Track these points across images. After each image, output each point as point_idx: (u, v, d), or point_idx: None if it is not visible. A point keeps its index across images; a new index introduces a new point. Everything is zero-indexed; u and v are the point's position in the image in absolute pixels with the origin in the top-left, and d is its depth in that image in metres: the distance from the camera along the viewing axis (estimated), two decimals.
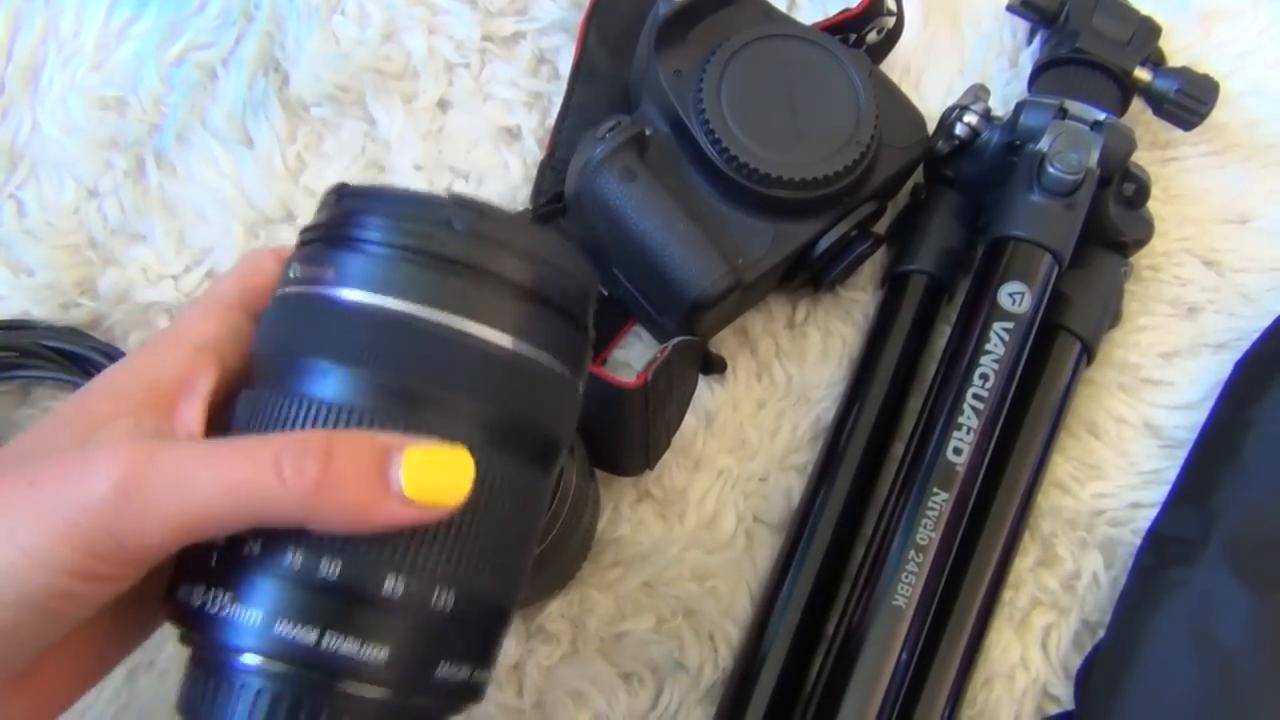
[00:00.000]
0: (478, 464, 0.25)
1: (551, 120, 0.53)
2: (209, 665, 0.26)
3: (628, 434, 0.45)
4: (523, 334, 0.26)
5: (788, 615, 0.46)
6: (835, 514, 0.47)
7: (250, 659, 0.25)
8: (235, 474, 0.24)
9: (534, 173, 0.53)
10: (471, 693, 0.27)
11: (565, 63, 0.54)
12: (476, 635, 0.27)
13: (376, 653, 0.25)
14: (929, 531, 0.43)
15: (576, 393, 0.29)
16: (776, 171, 0.46)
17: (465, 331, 0.26)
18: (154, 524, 0.24)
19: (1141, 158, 0.51)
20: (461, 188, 0.53)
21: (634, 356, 0.51)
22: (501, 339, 0.26)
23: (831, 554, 0.47)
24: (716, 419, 0.51)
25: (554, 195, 0.49)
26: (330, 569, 0.24)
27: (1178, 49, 0.56)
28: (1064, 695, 0.47)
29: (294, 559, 0.25)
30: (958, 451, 0.44)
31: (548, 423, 0.28)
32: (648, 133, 0.46)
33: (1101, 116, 0.48)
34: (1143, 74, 0.51)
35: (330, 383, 0.25)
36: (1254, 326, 0.51)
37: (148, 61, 0.52)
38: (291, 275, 0.27)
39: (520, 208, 0.50)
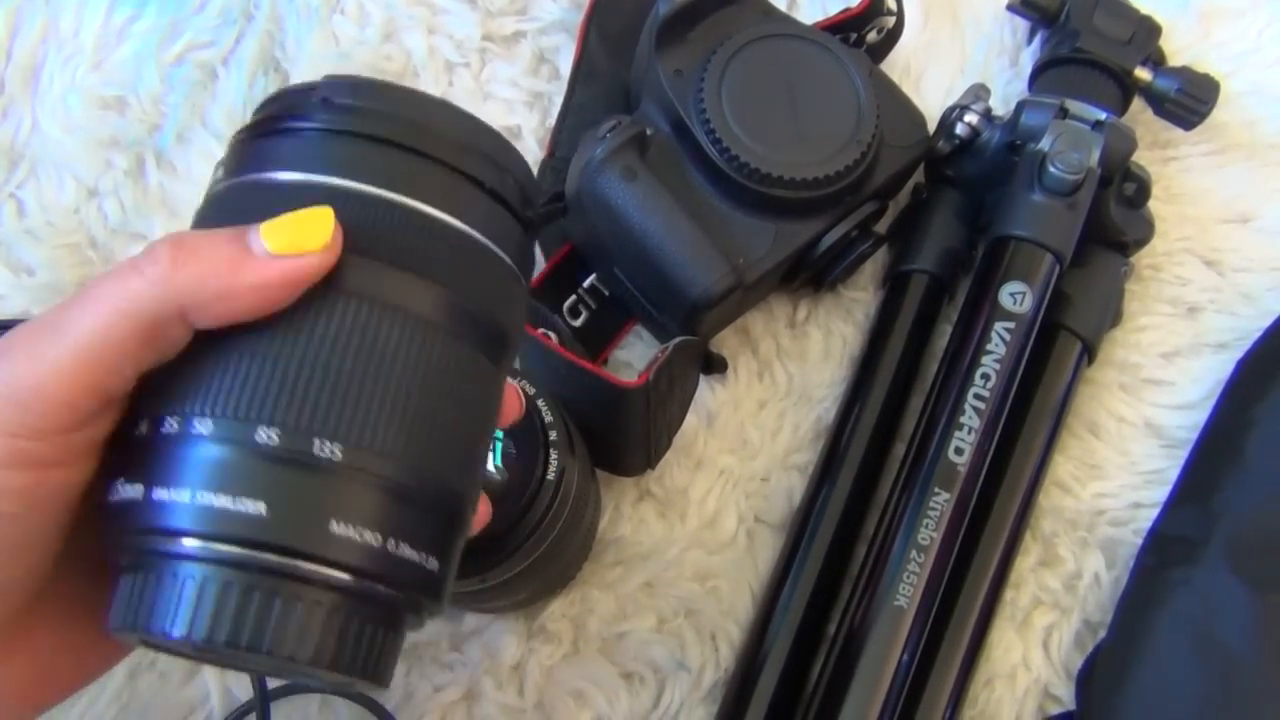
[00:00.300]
0: (428, 337, 0.24)
1: (552, 120, 0.53)
2: (142, 564, 0.23)
3: (629, 434, 0.45)
4: (468, 216, 0.26)
5: (789, 615, 0.46)
6: (837, 514, 0.47)
7: (190, 543, 0.22)
8: (102, 292, 0.23)
9: (535, 173, 0.53)
10: (430, 586, 0.25)
11: (566, 62, 0.54)
12: (432, 520, 0.25)
13: (331, 528, 0.23)
14: (930, 531, 0.43)
15: (522, 288, 0.28)
16: (777, 171, 0.46)
17: (413, 206, 0.25)
18: (51, 380, 0.23)
19: (1142, 157, 0.51)
20: None
21: (635, 356, 0.51)
22: (448, 218, 0.25)
23: (833, 554, 0.47)
24: (718, 419, 0.51)
25: (555, 195, 0.49)
26: (267, 435, 0.23)
27: (1178, 48, 0.56)
28: (1065, 695, 0.47)
29: (227, 428, 0.23)
30: (959, 451, 0.44)
31: (497, 309, 0.27)
32: (648, 132, 0.46)
33: (1102, 116, 0.48)
34: (1143, 73, 0.51)
35: None
36: (1255, 326, 0.51)
37: (148, 61, 0.52)
38: (219, 176, 0.26)
39: None
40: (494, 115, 0.54)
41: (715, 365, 0.51)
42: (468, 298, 0.26)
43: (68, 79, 0.51)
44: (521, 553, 0.39)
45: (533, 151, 0.54)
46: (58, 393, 0.23)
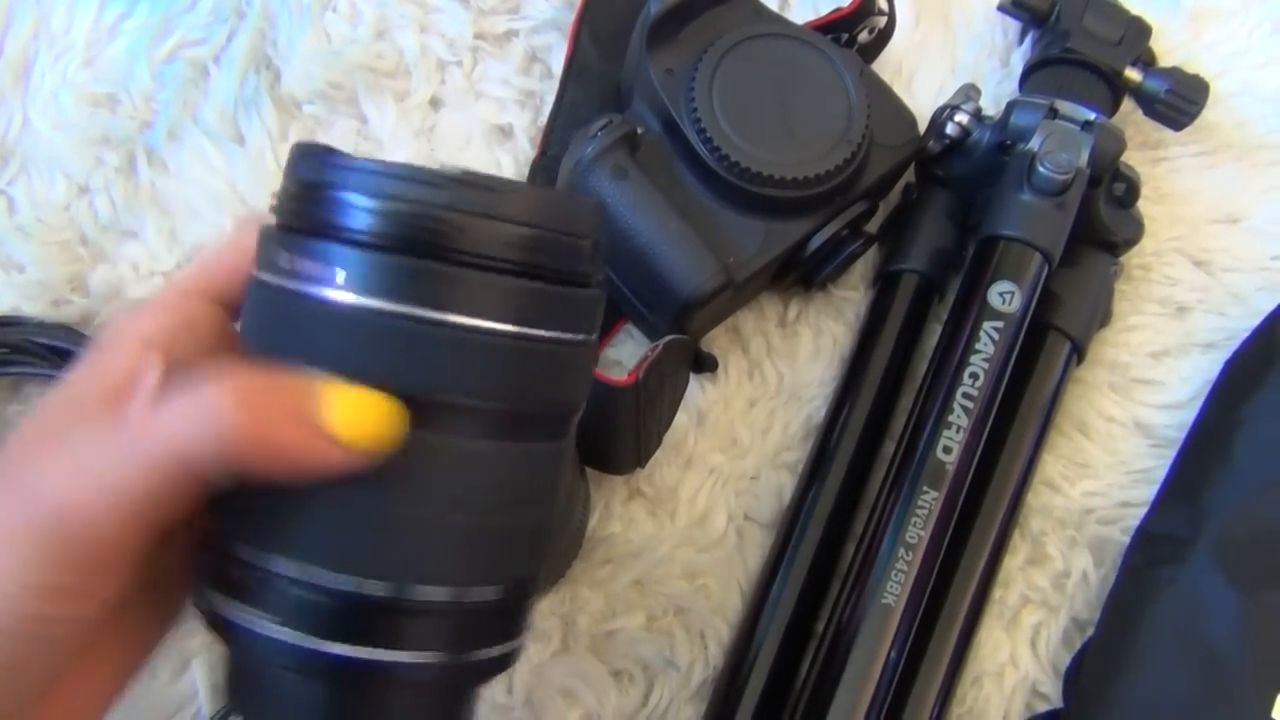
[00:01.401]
0: (492, 459, 0.25)
1: (544, 119, 0.53)
2: (248, 671, 0.26)
3: (619, 432, 0.46)
4: (524, 314, 0.25)
5: (778, 613, 0.46)
6: (826, 512, 0.47)
7: (287, 674, 0.25)
8: (154, 440, 0.23)
9: (526, 171, 0.53)
10: (505, 663, 0.28)
11: (557, 61, 0.54)
12: (511, 615, 0.27)
13: (421, 658, 0.25)
14: (919, 530, 0.43)
15: (586, 351, 0.27)
16: (768, 170, 0.46)
17: (464, 325, 0.24)
18: (99, 522, 0.23)
19: (1132, 158, 0.52)
20: None
21: (625, 354, 0.51)
22: (502, 326, 0.25)
23: (822, 552, 0.47)
24: (708, 417, 0.51)
25: None
26: (372, 587, 0.24)
27: (1168, 49, 0.56)
28: (1053, 693, 0.48)
29: (325, 578, 0.24)
30: (947, 450, 0.44)
31: (558, 398, 0.27)
32: (639, 131, 0.46)
33: (1092, 116, 0.48)
34: (1133, 74, 0.52)
35: None
36: (1243, 326, 0.51)
37: (139, 58, 0.52)
38: (270, 260, 0.26)
39: None
40: (486, 114, 0.54)
41: (705, 364, 0.51)
42: (529, 403, 0.26)
43: (59, 76, 0.51)
44: None
45: (524, 150, 0.54)
46: (110, 541, 0.24)
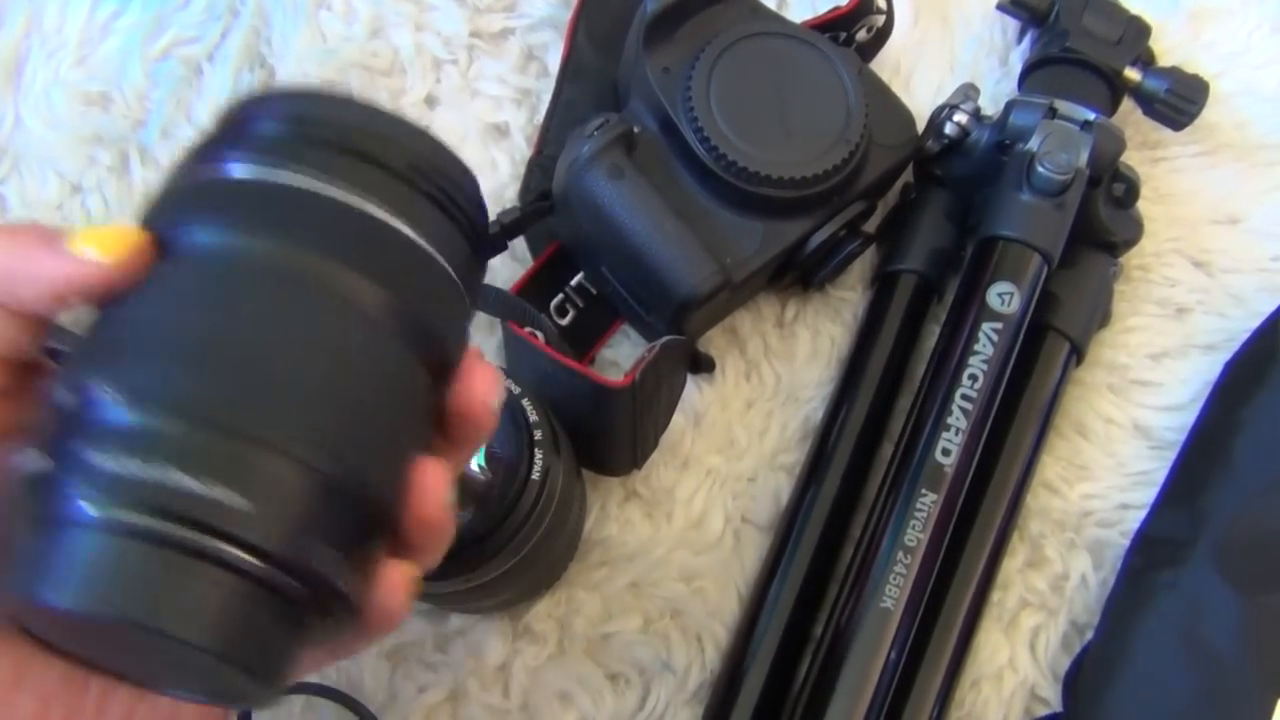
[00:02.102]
0: (360, 328, 0.24)
1: (540, 118, 0.53)
2: (39, 529, 0.21)
3: (615, 433, 0.45)
4: (420, 227, 0.25)
5: (775, 616, 0.45)
6: (823, 514, 0.47)
7: (90, 508, 0.21)
8: None
9: (522, 170, 0.52)
10: (339, 597, 0.23)
11: (554, 60, 0.54)
12: (344, 517, 0.23)
13: (239, 501, 0.21)
14: (917, 533, 0.43)
15: (465, 309, 0.27)
16: (765, 170, 0.45)
17: (364, 210, 0.25)
18: None
19: (1131, 158, 0.51)
20: None
21: (622, 355, 0.51)
22: (399, 224, 0.25)
23: (820, 555, 0.47)
24: (705, 418, 0.50)
25: (542, 193, 0.49)
26: (179, 405, 0.22)
27: (1167, 49, 0.56)
28: (1052, 697, 0.47)
29: (138, 399, 0.22)
30: (946, 453, 0.43)
31: (435, 320, 0.26)
32: (636, 130, 0.46)
33: (1091, 116, 0.48)
34: (1132, 74, 0.51)
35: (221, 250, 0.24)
36: (1243, 327, 0.51)
37: (132, 56, 0.52)
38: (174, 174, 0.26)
39: (508, 205, 0.50)
40: (482, 112, 0.54)
41: (703, 365, 0.51)
42: (405, 300, 0.25)
43: (51, 74, 0.51)
44: (506, 553, 0.38)
45: (520, 149, 0.53)
46: None
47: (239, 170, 0.25)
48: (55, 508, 0.21)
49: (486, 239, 0.28)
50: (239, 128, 0.26)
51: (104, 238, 0.25)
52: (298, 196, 0.24)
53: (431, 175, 0.26)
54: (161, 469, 0.21)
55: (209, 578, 0.21)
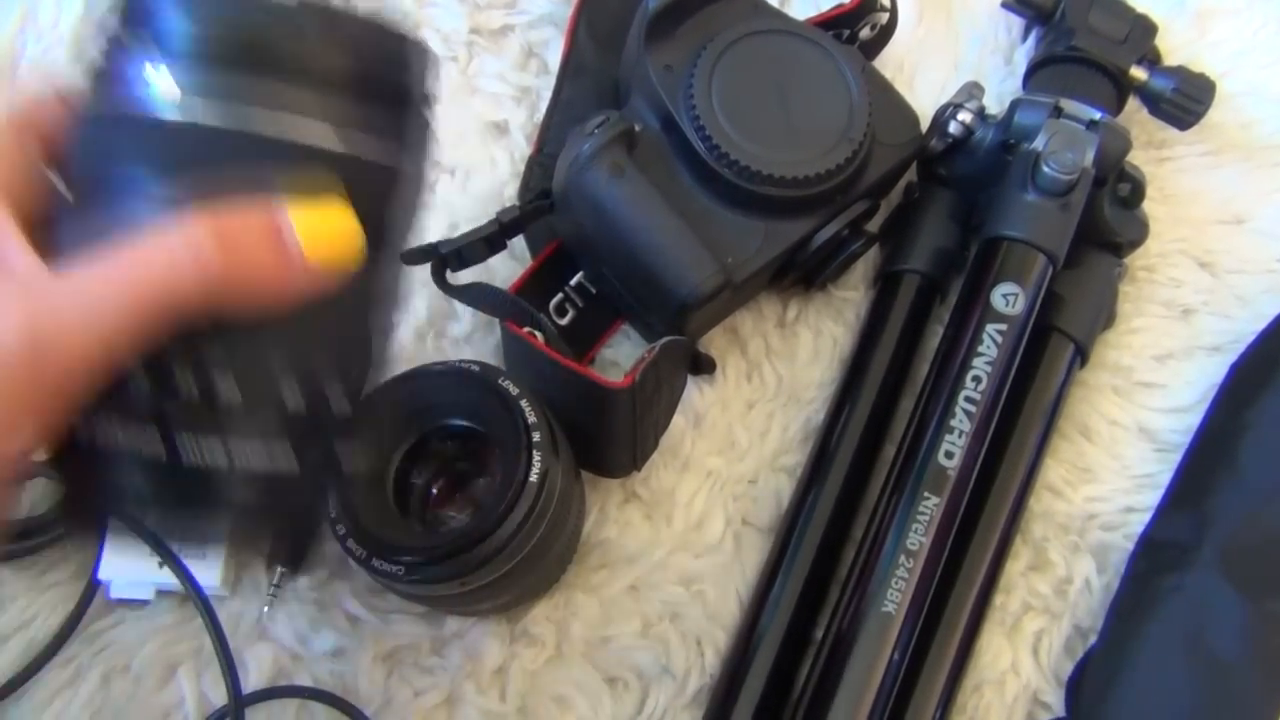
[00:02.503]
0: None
1: (540, 115, 0.52)
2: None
3: (615, 434, 0.45)
4: (344, 125, 0.26)
5: (776, 620, 0.45)
6: (825, 517, 0.47)
7: None
8: (142, 275, 0.23)
9: (522, 168, 0.52)
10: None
11: (554, 57, 0.53)
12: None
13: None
14: (920, 536, 0.42)
15: (401, 173, 0.28)
16: (768, 169, 0.45)
17: (285, 137, 0.25)
18: (76, 355, 0.23)
19: (1137, 157, 0.51)
20: (448, 184, 0.52)
21: (622, 356, 0.51)
22: (324, 137, 0.25)
23: (821, 558, 0.46)
24: (705, 419, 0.50)
25: (542, 191, 0.48)
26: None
27: (1174, 48, 0.55)
28: (1055, 702, 0.47)
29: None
30: (949, 455, 0.43)
31: (377, 214, 0.27)
32: (637, 129, 0.45)
33: (1097, 115, 0.47)
34: (1138, 73, 0.51)
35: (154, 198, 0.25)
36: (1249, 329, 0.50)
37: None
38: (99, 92, 0.26)
39: (508, 203, 0.50)
40: (482, 109, 0.53)
41: (703, 365, 0.50)
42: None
43: (46, 70, 0.51)
44: (504, 555, 0.38)
45: (520, 147, 0.53)
46: (80, 374, 0.23)
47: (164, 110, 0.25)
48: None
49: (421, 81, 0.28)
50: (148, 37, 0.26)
51: (332, 237, 0.24)
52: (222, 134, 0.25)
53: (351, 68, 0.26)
54: None
55: None
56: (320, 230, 0.24)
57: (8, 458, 0.23)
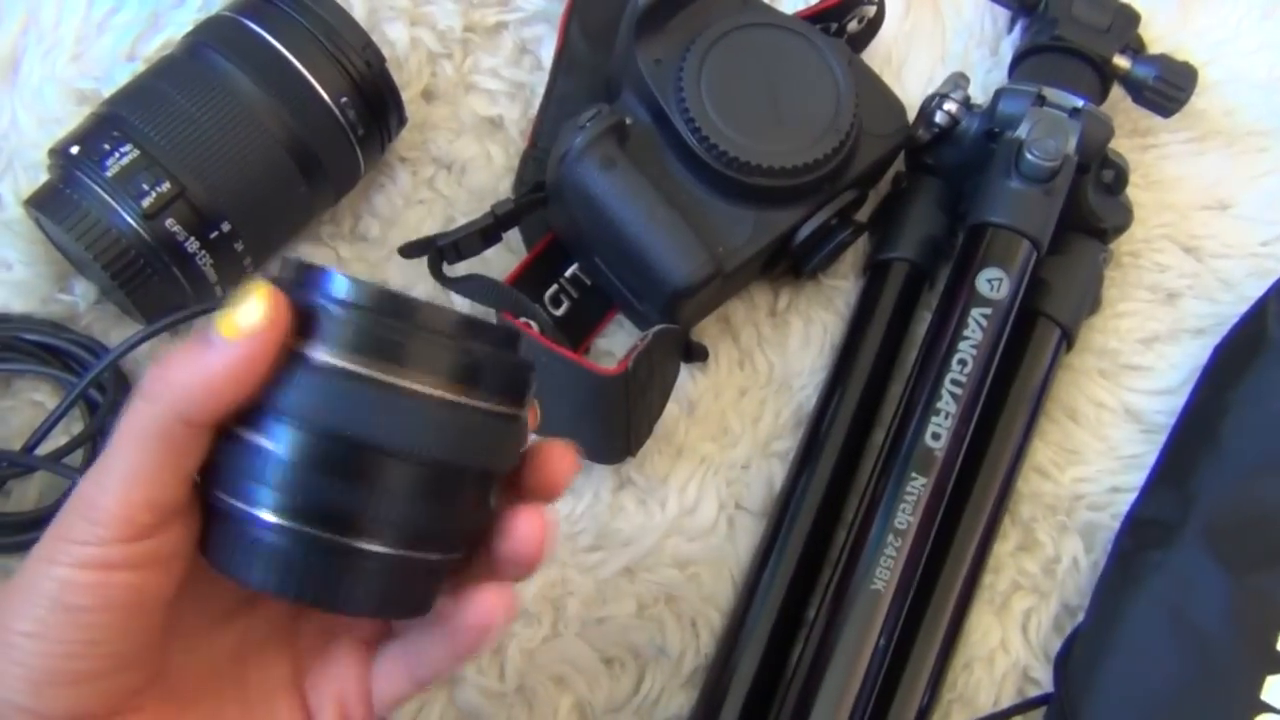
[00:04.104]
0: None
1: (534, 111, 0.53)
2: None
3: (609, 421, 0.46)
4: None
5: (769, 601, 0.46)
6: (816, 500, 0.47)
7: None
8: (124, 425, 0.28)
9: (516, 163, 0.53)
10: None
11: (547, 53, 0.54)
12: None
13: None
14: (907, 516, 0.43)
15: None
16: (757, 159, 0.46)
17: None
18: (108, 498, 0.27)
19: (1121, 145, 0.52)
20: (445, 178, 0.53)
21: (616, 345, 0.51)
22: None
23: (813, 540, 0.47)
24: (698, 407, 0.51)
25: (536, 185, 0.49)
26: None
27: (1157, 36, 0.56)
28: (1044, 678, 0.48)
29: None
30: (935, 437, 0.44)
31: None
32: (628, 122, 0.46)
33: (1079, 103, 0.48)
34: (1122, 61, 0.52)
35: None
36: (1233, 312, 0.51)
37: (127, 53, 0.52)
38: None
39: (503, 198, 0.51)
40: (476, 106, 0.54)
41: (696, 353, 0.51)
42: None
43: (47, 71, 0.51)
44: None
45: (515, 142, 0.54)
46: (112, 508, 0.27)
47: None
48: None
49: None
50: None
51: (245, 309, 0.27)
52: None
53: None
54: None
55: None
56: (233, 312, 0.27)
57: (98, 586, 0.28)
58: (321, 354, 0.27)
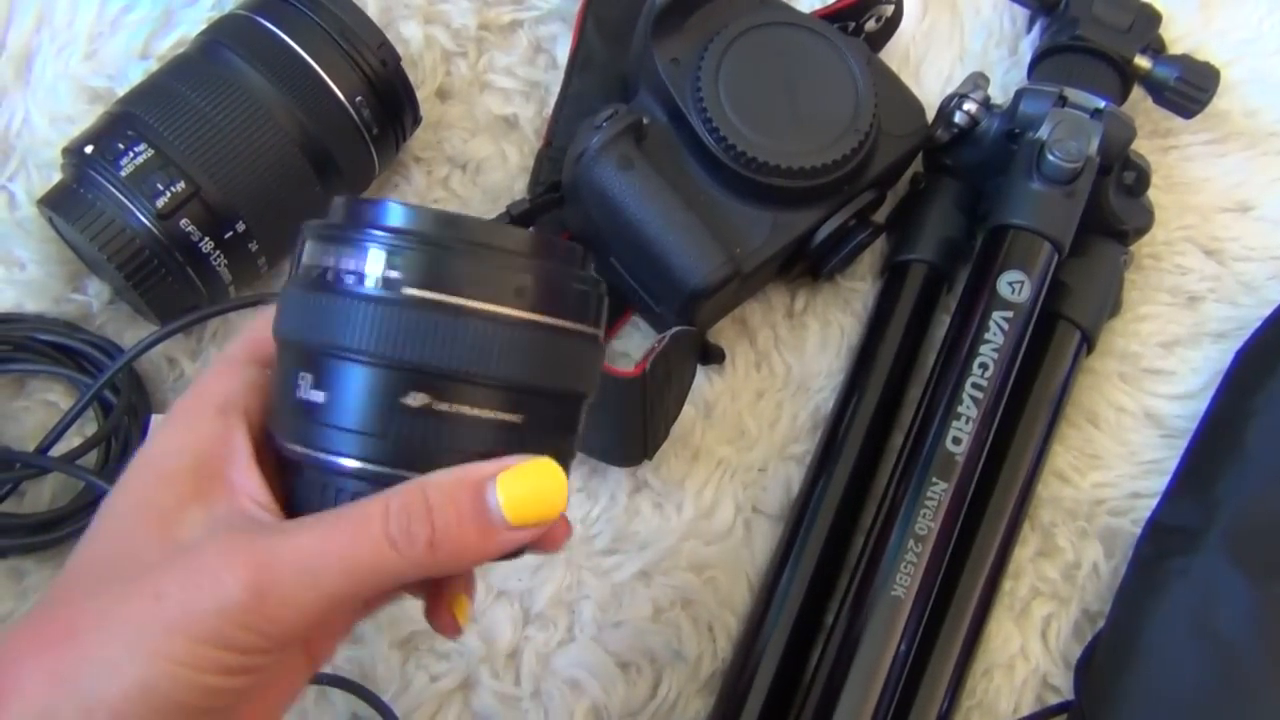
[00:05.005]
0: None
1: (549, 110, 0.53)
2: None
3: (626, 424, 0.45)
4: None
5: (787, 605, 0.45)
6: (834, 504, 0.47)
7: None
8: (354, 553, 0.25)
9: (531, 162, 0.52)
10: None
11: (563, 52, 0.54)
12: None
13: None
14: (928, 521, 0.43)
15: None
16: (775, 160, 0.45)
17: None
18: (290, 613, 0.25)
19: (1142, 146, 0.51)
20: (460, 178, 0.53)
21: (632, 346, 0.51)
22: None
23: (830, 544, 0.47)
24: (715, 409, 0.50)
25: (551, 184, 0.49)
26: None
27: (1178, 36, 0.56)
28: (1064, 685, 0.47)
29: None
30: (956, 441, 0.43)
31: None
32: (645, 121, 0.46)
33: (1101, 104, 0.48)
34: (1143, 62, 0.51)
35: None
36: (1255, 315, 0.51)
37: (140, 51, 0.52)
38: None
39: (518, 197, 0.50)
40: (491, 105, 0.54)
41: (712, 355, 0.51)
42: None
43: (60, 68, 0.51)
44: None
45: (530, 141, 0.53)
46: (292, 629, 0.25)
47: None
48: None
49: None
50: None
51: (536, 493, 0.26)
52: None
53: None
54: None
55: None
56: (528, 494, 0.26)
57: (225, 687, 0.25)
58: (394, 286, 0.26)
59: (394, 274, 0.26)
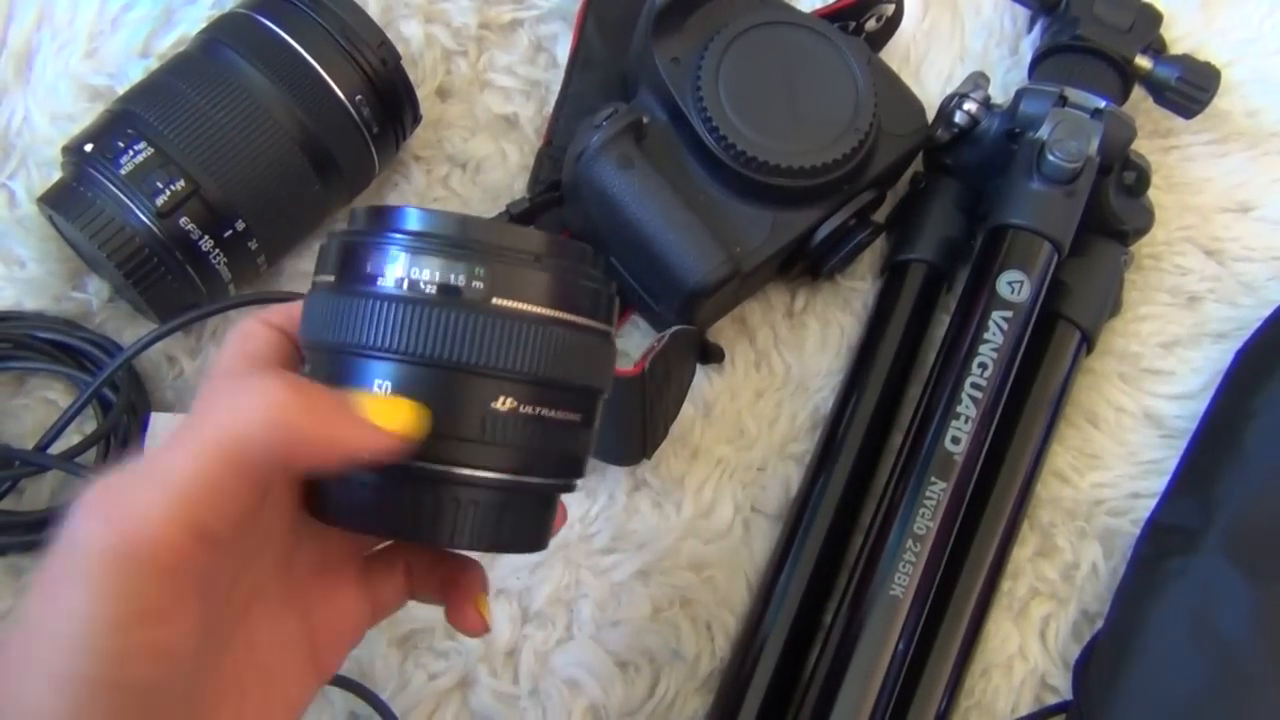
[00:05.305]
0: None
1: (549, 109, 0.53)
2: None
3: (625, 423, 0.45)
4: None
5: (785, 605, 0.45)
6: (833, 504, 0.47)
7: None
8: (209, 434, 0.25)
9: (531, 161, 0.52)
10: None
11: (563, 51, 0.54)
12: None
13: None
14: (926, 521, 0.43)
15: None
16: (775, 159, 0.45)
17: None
18: (157, 532, 0.24)
19: (1142, 146, 0.51)
20: (460, 177, 0.53)
21: (632, 345, 0.51)
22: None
23: (829, 544, 0.47)
24: (714, 408, 0.50)
25: (551, 184, 0.49)
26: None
27: (1179, 36, 0.55)
28: (1062, 685, 0.47)
29: None
30: (955, 441, 0.43)
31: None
32: (645, 121, 0.46)
33: (1102, 104, 0.48)
34: (1144, 62, 0.51)
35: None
36: (1255, 316, 0.51)
37: (140, 50, 0.52)
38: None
39: (518, 196, 0.50)
40: (491, 104, 0.54)
41: (712, 355, 0.51)
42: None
43: (60, 66, 0.51)
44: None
45: (530, 140, 0.53)
46: (159, 543, 0.23)
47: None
48: None
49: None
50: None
51: (393, 411, 0.27)
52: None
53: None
54: None
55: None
56: (384, 406, 0.27)
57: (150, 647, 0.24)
58: (410, 285, 0.27)
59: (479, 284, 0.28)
